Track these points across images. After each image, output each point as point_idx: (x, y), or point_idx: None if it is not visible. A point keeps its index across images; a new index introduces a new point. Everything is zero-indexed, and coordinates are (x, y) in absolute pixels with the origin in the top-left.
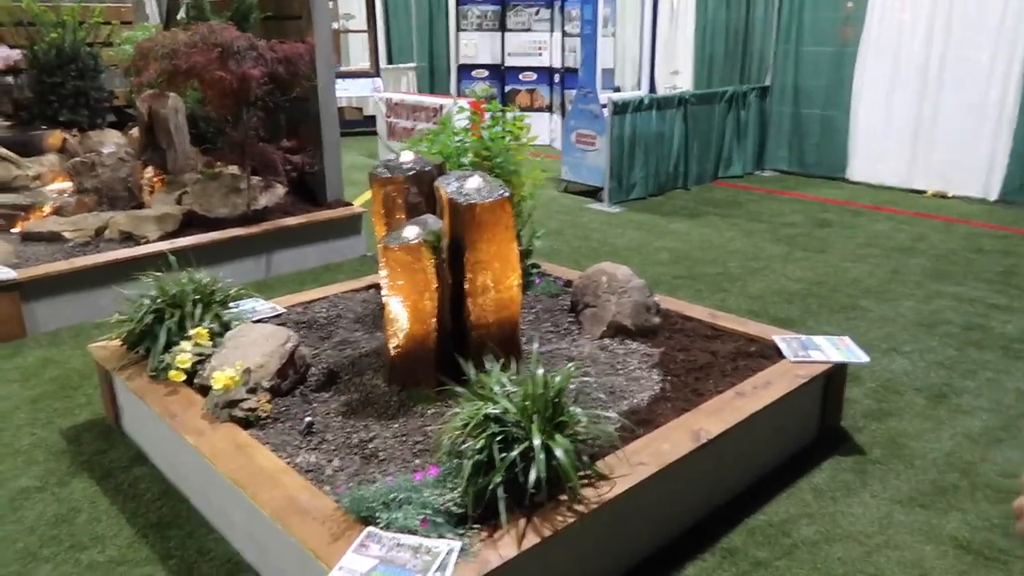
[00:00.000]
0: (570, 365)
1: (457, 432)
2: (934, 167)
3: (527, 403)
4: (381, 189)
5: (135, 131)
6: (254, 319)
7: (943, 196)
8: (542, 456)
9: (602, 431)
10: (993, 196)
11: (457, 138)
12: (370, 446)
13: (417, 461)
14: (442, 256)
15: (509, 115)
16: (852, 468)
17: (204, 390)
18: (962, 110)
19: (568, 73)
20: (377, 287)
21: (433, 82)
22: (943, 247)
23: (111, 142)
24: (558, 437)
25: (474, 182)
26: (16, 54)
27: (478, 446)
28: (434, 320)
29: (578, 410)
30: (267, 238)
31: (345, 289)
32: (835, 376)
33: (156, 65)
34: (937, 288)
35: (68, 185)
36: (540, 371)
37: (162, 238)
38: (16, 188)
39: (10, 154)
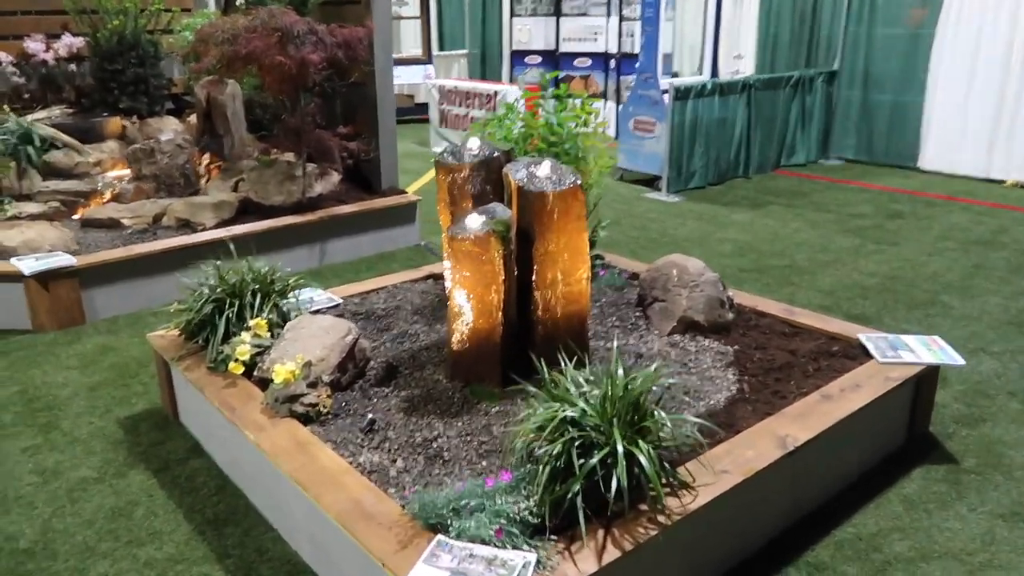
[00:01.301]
0: (654, 366)
1: (531, 435)
2: (1015, 155)
3: (607, 406)
4: (447, 176)
5: (192, 118)
6: (311, 310)
7: None
8: (623, 463)
9: (687, 436)
10: None
11: (522, 123)
12: (434, 445)
13: (483, 463)
14: (511, 247)
15: (577, 100)
16: (945, 478)
17: (263, 383)
18: None
19: (624, 59)
20: (435, 277)
21: (485, 69)
22: None
23: (169, 129)
24: (641, 443)
25: (544, 169)
26: (79, 41)
27: (555, 451)
28: (500, 314)
29: (663, 414)
30: (322, 226)
31: (403, 279)
32: (926, 379)
33: (216, 50)
34: None
35: (127, 172)
36: (620, 371)
37: (218, 225)
38: (77, 175)
39: (73, 141)
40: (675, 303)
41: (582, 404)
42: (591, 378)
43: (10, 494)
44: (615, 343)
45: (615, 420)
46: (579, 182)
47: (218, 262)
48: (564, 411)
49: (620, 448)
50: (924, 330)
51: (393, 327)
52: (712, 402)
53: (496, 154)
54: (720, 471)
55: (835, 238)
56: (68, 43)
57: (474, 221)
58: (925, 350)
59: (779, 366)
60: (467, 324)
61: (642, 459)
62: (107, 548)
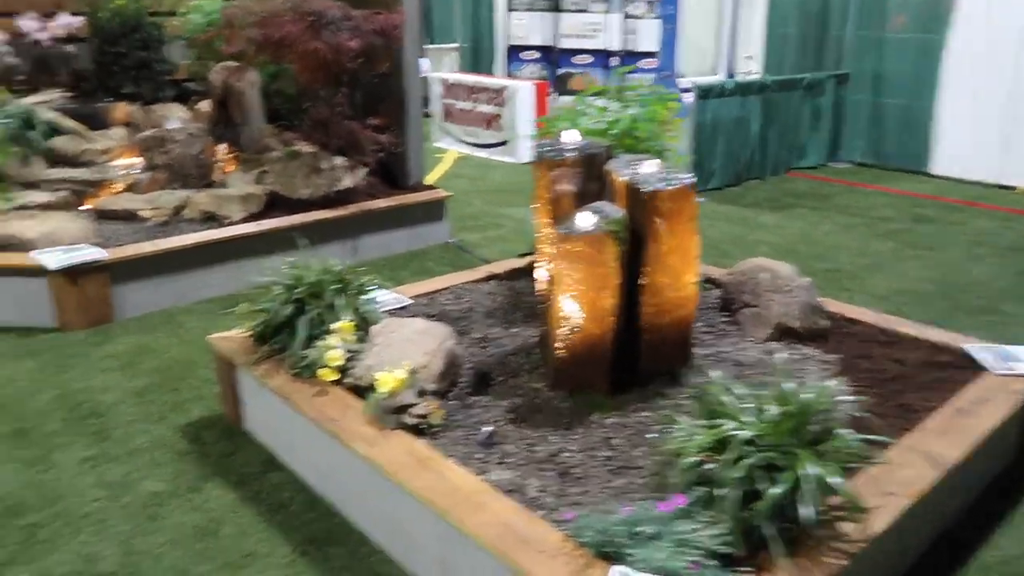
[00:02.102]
0: (831, 381)
1: (703, 455)
2: None
3: (784, 424)
4: (547, 173)
5: (201, 106)
6: (381, 310)
7: None
8: (813, 487)
9: (879, 458)
10: None
11: (596, 119)
12: (558, 461)
13: (619, 481)
14: (625, 248)
15: (655, 95)
16: None
17: (357, 391)
18: None
19: (627, 56)
20: (497, 278)
21: (477, 63)
22: None
23: (175, 117)
24: (830, 465)
25: (650, 167)
26: (77, 21)
27: (739, 474)
28: (612, 319)
29: (848, 432)
30: (354, 221)
31: (464, 280)
32: None
33: (244, 34)
34: None
35: (138, 161)
36: (789, 385)
37: (246, 219)
38: (84, 162)
39: (78, 126)
40: (769, 308)
41: (755, 421)
42: (761, 392)
43: (76, 510)
44: (784, 355)
45: (794, 439)
46: (692, 181)
47: (293, 259)
48: (737, 430)
49: (815, 470)
50: (994, 338)
51: (471, 330)
52: (840, 415)
53: (597, 150)
54: (886, 493)
55: (870, 242)
56: (65, 23)
57: (587, 220)
58: None
59: (891, 377)
60: (575, 329)
61: (833, 482)
62: (203, 572)
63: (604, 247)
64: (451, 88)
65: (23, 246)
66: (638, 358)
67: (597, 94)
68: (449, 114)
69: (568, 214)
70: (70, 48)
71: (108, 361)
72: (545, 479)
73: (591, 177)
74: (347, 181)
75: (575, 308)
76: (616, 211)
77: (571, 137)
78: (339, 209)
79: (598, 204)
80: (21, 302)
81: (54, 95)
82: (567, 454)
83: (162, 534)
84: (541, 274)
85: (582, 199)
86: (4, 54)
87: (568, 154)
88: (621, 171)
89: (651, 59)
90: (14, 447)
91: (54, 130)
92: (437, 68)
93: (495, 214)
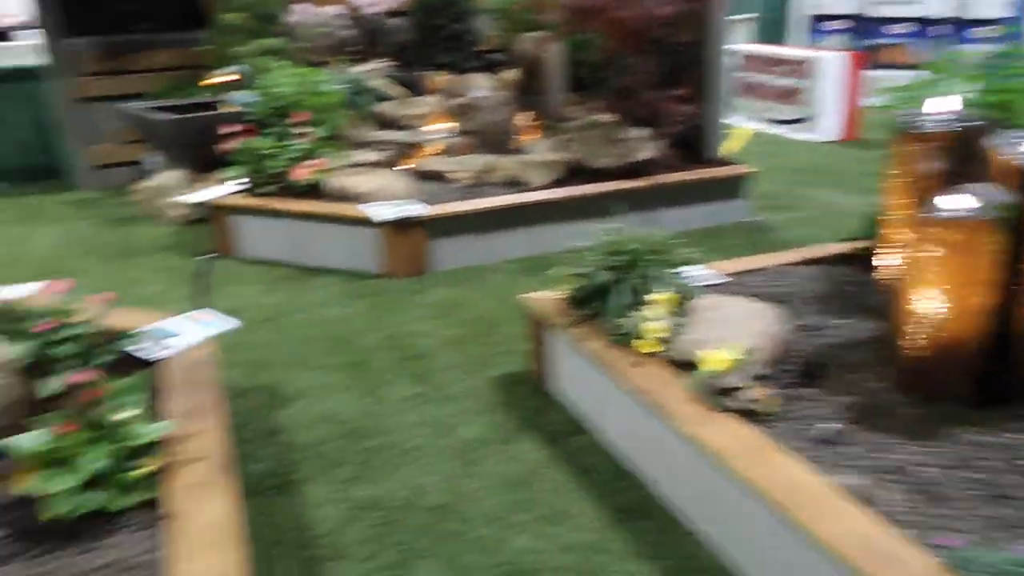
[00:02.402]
0: None
1: None
2: None
3: None
4: (910, 147)
5: (505, 75)
6: (696, 285)
7: None
8: None
9: None
10: None
11: (961, 89)
12: (911, 474)
13: (993, 510)
14: (1008, 239)
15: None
16: None
17: (675, 365)
18: None
19: (955, 24)
20: (819, 262)
21: (772, 34)
22: None
23: (483, 86)
24: None
25: None
26: None
27: None
28: (983, 321)
29: None
30: (650, 194)
31: (781, 261)
32: None
33: (554, 4)
34: None
35: (451, 126)
36: None
37: (546, 186)
38: (404, 126)
39: (400, 93)
40: None
41: None
42: None
43: (403, 443)
44: None
45: None
46: None
47: (617, 226)
48: None
49: None
50: None
51: (793, 316)
52: None
53: (973, 124)
54: None
55: None
56: None
57: (961, 203)
58: None
59: None
60: (933, 326)
61: None
62: (519, 521)
63: (983, 236)
64: (748, 60)
65: (357, 198)
66: (1014, 369)
67: (954, 62)
68: (745, 87)
69: (933, 196)
70: (395, 21)
71: (425, 309)
72: (898, 493)
73: (963, 155)
74: (644, 152)
75: (938, 304)
76: (1001, 195)
77: (940, 107)
78: (637, 180)
79: (978, 186)
80: (354, 249)
81: (381, 64)
82: (922, 468)
83: (479, 479)
84: (889, 261)
85: (953, 179)
86: (340, 27)
87: (937, 127)
88: (1008, 149)
89: (988, 27)
90: (353, 377)
91: (381, 96)
92: (732, 40)
93: (798, 195)
